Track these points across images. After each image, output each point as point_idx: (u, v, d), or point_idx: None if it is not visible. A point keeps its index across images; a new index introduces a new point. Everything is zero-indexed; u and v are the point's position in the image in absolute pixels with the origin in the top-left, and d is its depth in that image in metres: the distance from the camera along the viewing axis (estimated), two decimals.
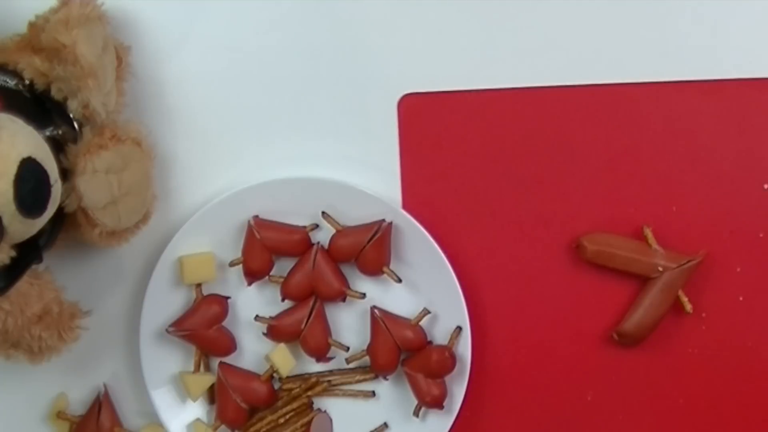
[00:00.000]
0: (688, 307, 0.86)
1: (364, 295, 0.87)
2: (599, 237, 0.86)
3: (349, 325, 0.88)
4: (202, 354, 0.87)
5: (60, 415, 0.87)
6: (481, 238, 0.87)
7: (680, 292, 0.85)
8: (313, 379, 0.88)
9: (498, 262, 0.87)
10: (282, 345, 0.87)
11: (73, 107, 0.76)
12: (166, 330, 0.85)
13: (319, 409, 0.88)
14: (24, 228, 0.70)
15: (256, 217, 0.86)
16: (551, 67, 0.86)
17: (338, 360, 0.88)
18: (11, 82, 0.76)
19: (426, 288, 0.86)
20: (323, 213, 0.86)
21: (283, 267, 0.87)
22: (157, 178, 0.84)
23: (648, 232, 0.85)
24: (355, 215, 0.86)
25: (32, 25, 0.77)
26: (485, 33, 0.86)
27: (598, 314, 0.87)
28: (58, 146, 0.75)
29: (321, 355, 0.87)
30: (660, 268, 0.84)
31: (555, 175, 0.86)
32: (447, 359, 0.85)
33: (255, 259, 0.86)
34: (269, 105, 0.87)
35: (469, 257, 0.87)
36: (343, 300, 0.86)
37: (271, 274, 0.87)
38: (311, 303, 0.86)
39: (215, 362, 0.87)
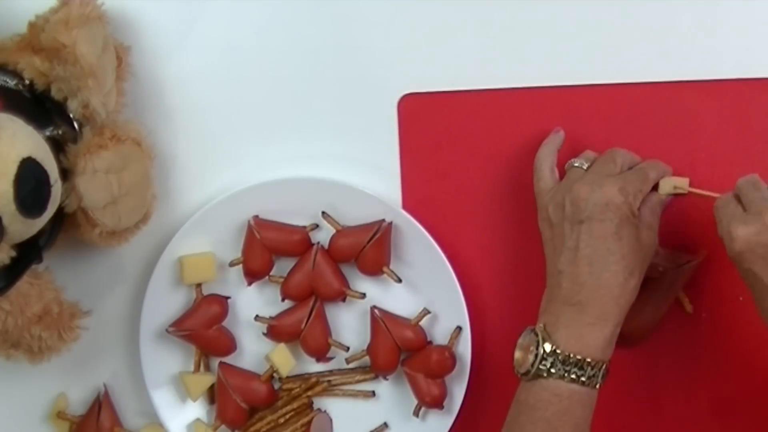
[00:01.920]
0: (689, 307, 0.86)
1: (364, 295, 0.87)
2: None
3: (349, 325, 0.88)
4: (202, 354, 0.87)
5: (60, 415, 0.87)
6: (481, 238, 0.87)
7: (680, 293, 0.85)
8: (313, 379, 0.88)
9: (498, 262, 0.87)
10: (282, 345, 0.87)
11: (73, 107, 0.76)
12: (166, 330, 0.85)
13: (319, 409, 0.88)
14: (24, 228, 0.70)
15: (256, 217, 0.86)
16: (551, 67, 0.86)
17: (338, 360, 0.88)
18: (11, 82, 0.76)
19: (426, 288, 0.86)
20: (323, 213, 0.86)
21: (283, 267, 0.87)
22: (157, 178, 0.84)
23: None
24: (355, 215, 0.86)
25: (32, 25, 0.77)
26: (485, 33, 0.86)
27: None
28: (58, 146, 0.75)
29: (321, 355, 0.87)
30: (660, 268, 0.84)
31: None
32: (447, 359, 0.85)
33: (255, 259, 0.86)
34: (269, 105, 0.87)
35: (469, 257, 0.87)
36: (343, 300, 0.86)
37: (271, 274, 0.87)
38: (311, 303, 0.86)
39: (215, 362, 0.87)
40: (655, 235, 0.80)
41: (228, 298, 0.86)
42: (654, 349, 0.86)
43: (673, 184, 0.82)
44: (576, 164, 0.81)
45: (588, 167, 0.81)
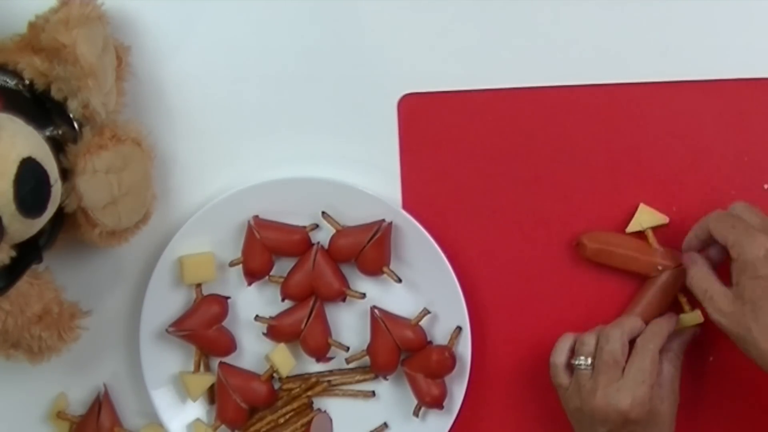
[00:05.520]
0: (687, 308, 0.85)
1: (364, 295, 0.87)
2: (599, 235, 0.86)
3: (349, 325, 0.88)
4: (202, 354, 0.87)
5: (60, 415, 0.87)
6: (481, 238, 0.87)
7: (679, 293, 0.85)
8: (313, 379, 0.88)
9: (498, 262, 0.87)
10: (282, 345, 0.87)
11: (73, 107, 0.76)
12: (166, 330, 0.85)
13: (319, 409, 0.88)
14: (24, 228, 0.70)
15: (256, 217, 0.86)
16: (551, 67, 0.86)
17: (338, 360, 0.88)
18: (11, 82, 0.76)
19: (426, 288, 0.86)
20: (323, 213, 0.86)
21: (283, 267, 0.87)
22: (157, 178, 0.84)
23: (648, 232, 0.85)
24: (355, 215, 0.86)
25: (32, 25, 0.77)
26: (485, 33, 0.86)
27: (599, 314, 0.87)
28: (58, 146, 0.75)
29: (321, 355, 0.87)
30: (659, 267, 0.84)
31: (555, 175, 0.86)
32: (447, 359, 0.85)
33: (255, 259, 0.86)
34: (269, 105, 0.87)
35: (469, 257, 0.87)
36: (343, 300, 0.86)
37: (271, 274, 0.87)
38: (311, 303, 0.86)
39: (215, 362, 0.87)
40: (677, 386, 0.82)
41: (228, 298, 0.86)
42: None
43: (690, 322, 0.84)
44: (582, 366, 0.81)
45: (591, 363, 0.80)
